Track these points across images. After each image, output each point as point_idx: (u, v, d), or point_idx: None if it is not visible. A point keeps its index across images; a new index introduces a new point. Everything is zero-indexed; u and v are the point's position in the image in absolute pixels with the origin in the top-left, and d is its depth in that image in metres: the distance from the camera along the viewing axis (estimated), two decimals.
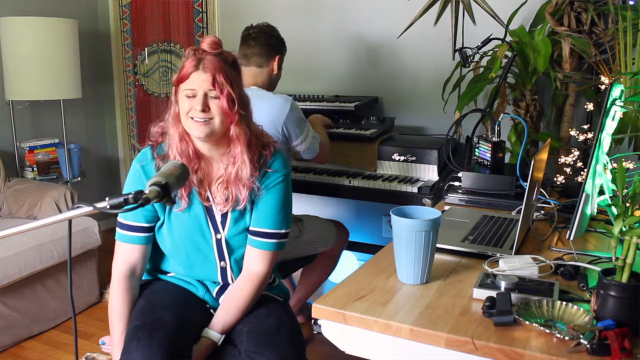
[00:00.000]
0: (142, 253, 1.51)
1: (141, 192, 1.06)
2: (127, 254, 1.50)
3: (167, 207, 1.48)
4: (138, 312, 1.45)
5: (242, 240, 1.52)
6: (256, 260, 1.51)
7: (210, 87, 1.38)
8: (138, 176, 1.49)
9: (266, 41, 2.14)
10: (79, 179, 3.39)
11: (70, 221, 1.07)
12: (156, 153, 1.49)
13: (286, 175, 1.53)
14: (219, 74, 1.38)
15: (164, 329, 1.36)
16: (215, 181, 1.48)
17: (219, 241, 1.51)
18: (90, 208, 1.02)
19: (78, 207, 1.03)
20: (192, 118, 1.40)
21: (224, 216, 1.50)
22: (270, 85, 2.19)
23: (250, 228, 1.51)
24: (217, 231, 1.50)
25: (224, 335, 1.46)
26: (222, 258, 1.53)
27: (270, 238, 1.50)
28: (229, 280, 1.55)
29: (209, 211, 1.49)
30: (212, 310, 1.55)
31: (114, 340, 1.47)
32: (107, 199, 1.04)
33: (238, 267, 1.54)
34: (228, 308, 1.48)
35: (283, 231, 1.52)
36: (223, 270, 1.54)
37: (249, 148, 1.46)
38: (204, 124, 1.39)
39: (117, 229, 1.51)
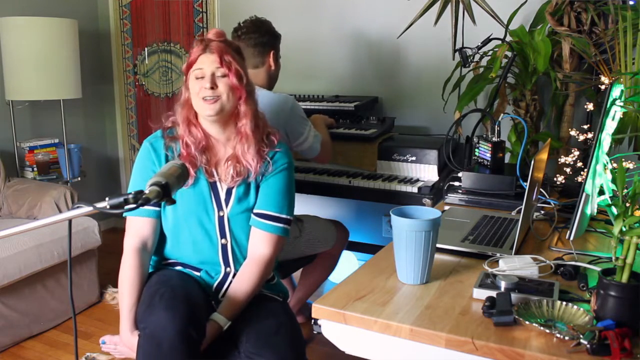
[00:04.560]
0: (152, 227, 1.55)
1: (141, 192, 1.08)
2: (138, 228, 1.54)
3: None
4: (153, 284, 1.48)
5: (244, 220, 1.56)
6: (261, 243, 1.55)
7: (217, 65, 1.47)
8: (147, 152, 1.56)
9: (257, 40, 2.10)
10: (79, 179, 3.39)
11: (70, 221, 1.07)
12: (167, 134, 1.57)
13: (290, 163, 1.61)
14: (225, 54, 1.48)
15: (183, 293, 1.40)
16: (224, 162, 1.54)
17: (221, 218, 1.55)
18: (90, 208, 1.02)
19: (78, 207, 1.03)
20: (203, 98, 1.47)
21: (228, 193, 1.54)
22: (270, 82, 2.18)
23: (255, 210, 1.56)
24: (220, 208, 1.54)
25: (230, 322, 1.47)
26: (223, 235, 1.56)
27: (275, 221, 1.55)
28: (230, 260, 1.57)
29: (213, 188, 1.54)
30: (213, 302, 1.56)
31: (123, 313, 1.48)
32: (107, 199, 1.05)
33: (239, 247, 1.57)
34: (234, 293, 1.51)
35: (287, 217, 1.58)
36: (224, 248, 1.56)
37: (257, 128, 1.54)
38: (213, 101, 1.47)
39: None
